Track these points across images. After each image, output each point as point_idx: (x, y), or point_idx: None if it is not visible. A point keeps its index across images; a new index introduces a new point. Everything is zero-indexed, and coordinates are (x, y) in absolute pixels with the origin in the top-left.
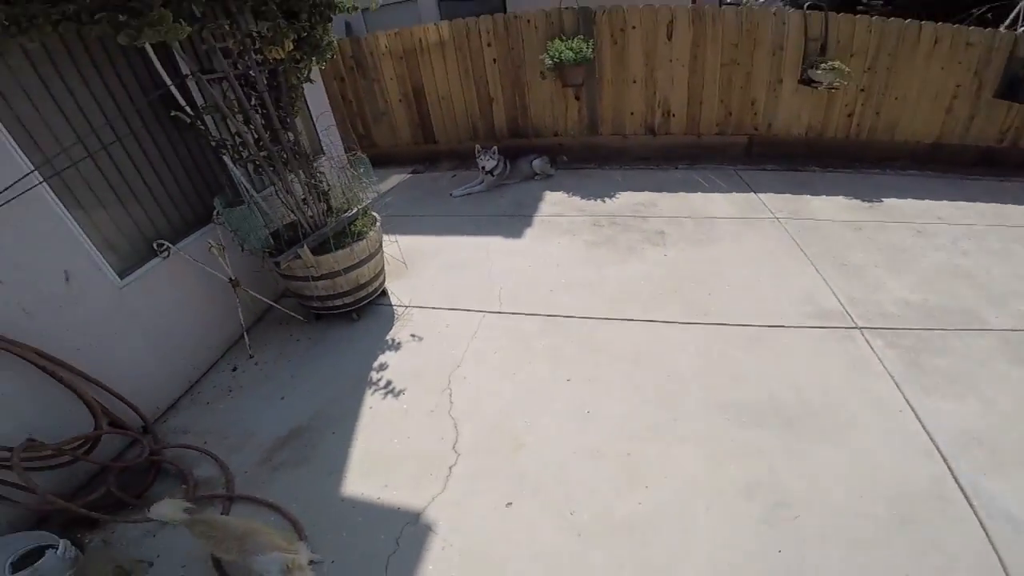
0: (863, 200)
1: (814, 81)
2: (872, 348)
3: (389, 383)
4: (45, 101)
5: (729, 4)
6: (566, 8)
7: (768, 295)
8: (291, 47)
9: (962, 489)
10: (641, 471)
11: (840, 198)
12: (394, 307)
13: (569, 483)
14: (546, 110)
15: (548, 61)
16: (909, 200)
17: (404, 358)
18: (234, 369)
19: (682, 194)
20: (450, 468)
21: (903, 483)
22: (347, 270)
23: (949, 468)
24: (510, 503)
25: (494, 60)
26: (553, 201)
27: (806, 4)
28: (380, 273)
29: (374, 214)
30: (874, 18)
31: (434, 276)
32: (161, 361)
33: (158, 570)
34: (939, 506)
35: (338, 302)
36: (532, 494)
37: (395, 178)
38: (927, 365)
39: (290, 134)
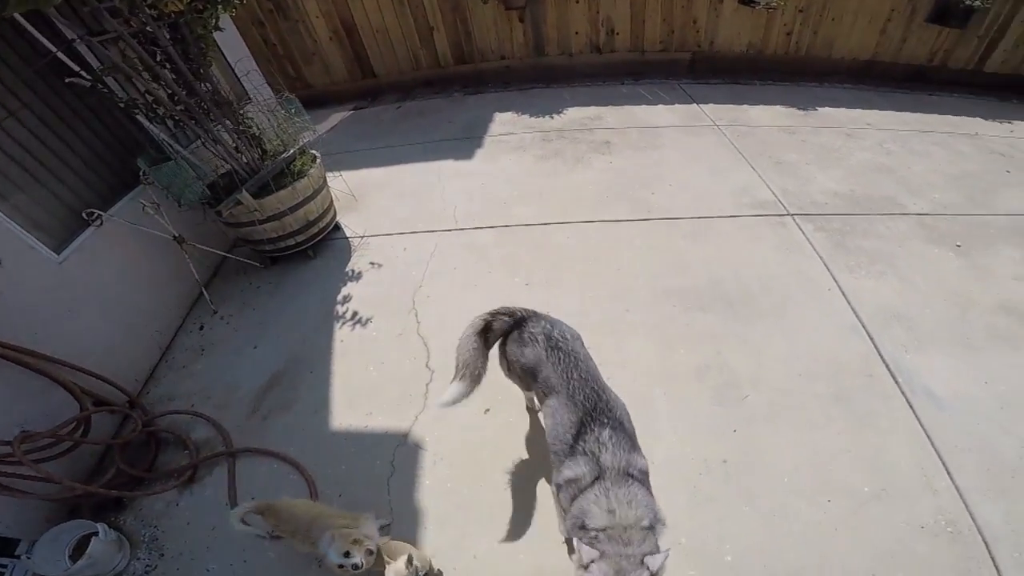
0: (799, 109)
1: (754, 1)
2: (803, 232)
3: (355, 314)
4: None
5: None
6: None
7: (707, 191)
8: None
9: (887, 365)
10: (600, 362)
11: (778, 107)
12: (349, 239)
13: None
14: (491, 34)
15: None
16: (842, 109)
17: (366, 287)
18: (201, 328)
19: (627, 107)
20: (427, 386)
21: (836, 360)
22: (293, 209)
23: (874, 345)
24: (488, 409)
25: None
26: (503, 121)
27: None
28: (329, 208)
29: (313, 152)
30: None
31: (387, 204)
32: (125, 332)
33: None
34: (869, 383)
35: (291, 242)
36: (507, 398)
37: (336, 116)
38: (852, 246)
39: (206, 85)
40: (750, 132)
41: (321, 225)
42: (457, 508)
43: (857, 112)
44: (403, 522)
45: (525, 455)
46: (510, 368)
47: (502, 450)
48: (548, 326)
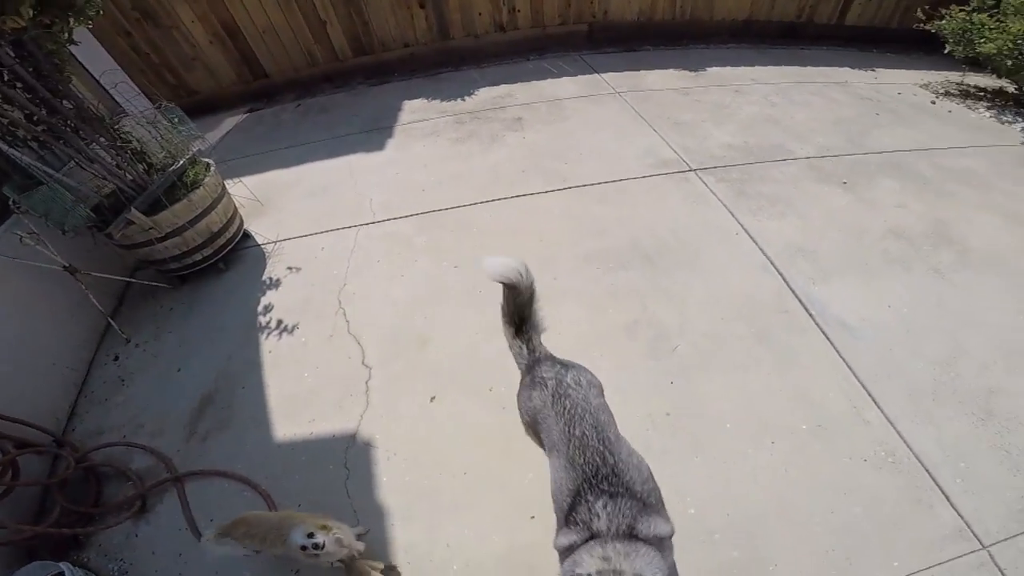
0: (690, 71)
1: None
2: (706, 184)
3: (280, 322)
4: None
5: None
6: None
7: (615, 156)
8: (32, 13)
9: (799, 299)
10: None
11: (671, 71)
12: (262, 246)
13: (480, 363)
14: (390, 22)
15: None
16: (728, 68)
17: (287, 293)
18: (116, 359)
19: (534, 83)
20: (366, 383)
21: (752, 300)
22: (193, 222)
23: (785, 280)
24: (433, 397)
25: None
26: (412, 109)
27: None
28: (234, 217)
29: (206, 160)
30: None
31: (298, 206)
32: (31, 373)
33: None
34: (785, 319)
35: (197, 257)
36: (451, 383)
37: (230, 121)
38: (751, 192)
39: (67, 102)
40: (649, 96)
41: (228, 235)
42: (420, 499)
43: (742, 69)
44: (368, 522)
45: (479, 436)
46: (521, 417)
47: (455, 436)
48: (561, 370)
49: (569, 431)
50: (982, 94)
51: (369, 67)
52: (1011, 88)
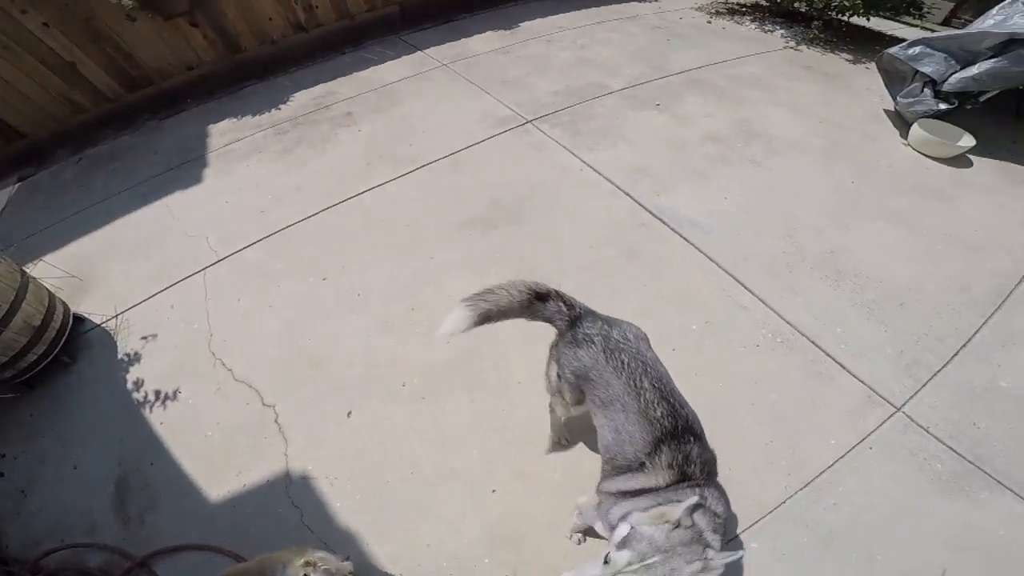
0: (506, 30)
1: None
2: (544, 132)
3: (159, 392)
4: None
5: None
6: None
7: (457, 125)
8: None
9: (651, 212)
10: (431, 317)
11: (489, 33)
12: (102, 325)
13: (382, 363)
14: (160, 49)
15: (128, 2)
16: (538, 20)
17: (153, 363)
18: (1, 475)
19: (356, 74)
20: (276, 421)
21: (612, 223)
22: (3, 322)
23: (634, 199)
24: (350, 412)
25: (45, 24)
26: (222, 131)
27: None
28: (53, 303)
29: None
30: None
31: (124, 269)
32: None
33: None
34: (645, 232)
35: (31, 357)
36: (361, 393)
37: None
38: (584, 130)
39: None
40: (475, 62)
41: (56, 325)
42: (381, 512)
43: (550, 19)
44: (341, 550)
45: (410, 433)
46: (560, 376)
47: (386, 441)
48: (605, 327)
49: (636, 384)
50: (744, 9)
51: (153, 100)
52: (764, 2)
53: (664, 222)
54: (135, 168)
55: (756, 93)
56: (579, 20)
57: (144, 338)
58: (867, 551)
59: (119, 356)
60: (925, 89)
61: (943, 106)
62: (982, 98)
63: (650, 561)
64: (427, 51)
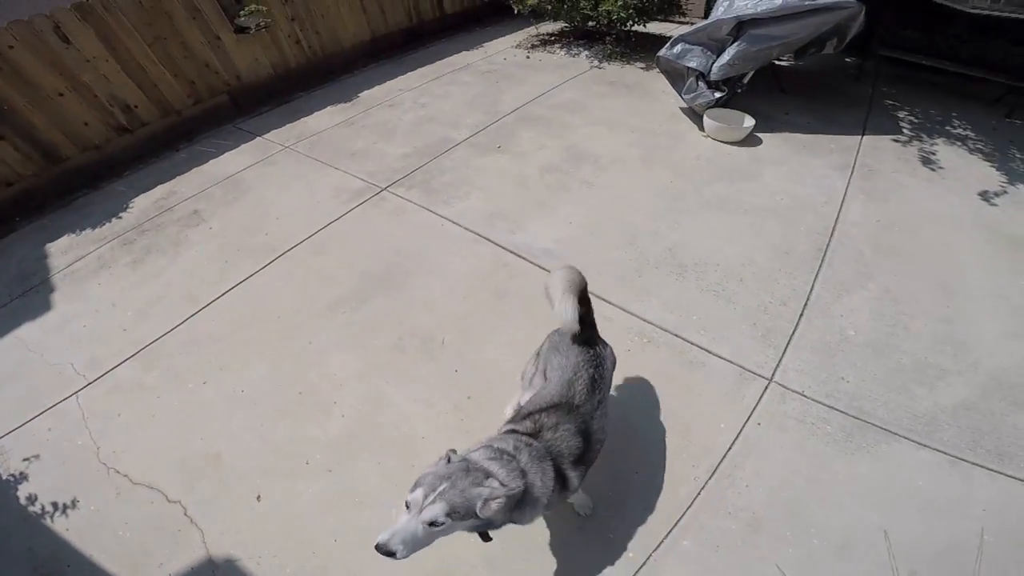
0: (346, 102)
1: (245, 28)
2: (400, 196)
3: (56, 503)
4: None
5: None
6: None
7: (312, 205)
8: None
9: (509, 251)
10: (320, 398)
11: (329, 108)
12: None
13: (280, 447)
14: None
15: None
16: (376, 87)
17: (42, 479)
18: None
19: (196, 170)
20: (186, 514)
21: (479, 270)
22: None
23: (493, 242)
24: (259, 495)
25: None
26: (63, 250)
27: None
28: None
29: None
30: None
31: None
32: None
33: None
34: (508, 271)
35: None
36: (265, 477)
37: None
38: (437, 186)
39: None
40: (318, 139)
41: None
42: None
43: (387, 84)
44: None
45: (325, 505)
46: (538, 354)
47: (303, 516)
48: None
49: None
50: (553, 38)
51: None
52: (567, 27)
53: (523, 257)
54: None
55: (575, 117)
56: (416, 80)
57: (26, 459)
58: (798, 526)
59: (4, 477)
60: (699, 82)
61: (717, 95)
62: (744, 80)
63: (441, 488)
64: (267, 135)
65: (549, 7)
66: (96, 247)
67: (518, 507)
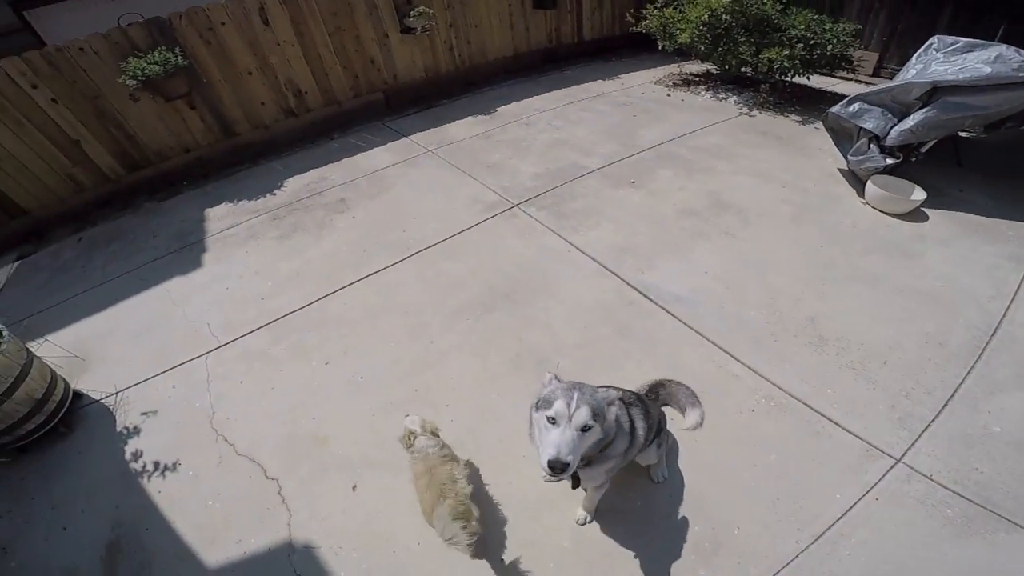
0: (485, 115)
1: (411, 28)
2: (530, 215)
3: (158, 464)
4: None
5: None
6: (129, 25)
7: (447, 211)
8: None
9: (636, 289)
10: (434, 398)
11: (469, 118)
12: (101, 401)
13: (387, 442)
14: (160, 130)
15: (132, 82)
16: (512, 104)
17: (152, 436)
18: None
19: (346, 160)
20: (279, 494)
21: (602, 302)
22: (7, 393)
23: (620, 277)
24: (355, 486)
25: (53, 100)
26: (219, 216)
27: None
28: (55, 380)
29: None
30: None
31: (124, 352)
32: None
33: None
34: (633, 310)
35: (29, 426)
36: (366, 468)
37: None
38: (567, 211)
39: None
40: (458, 148)
41: (56, 398)
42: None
43: (524, 103)
44: None
45: (414, 508)
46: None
47: (392, 514)
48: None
49: None
50: (698, 79)
51: (151, 181)
52: (714, 69)
53: (651, 299)
54: (135, 251)
55: (720, 163)
56: (551, 102)
57: (144, 414)
58: None
59: (118, 429)
60: (871, 145)
61: (890, 160)
62: (923, 149)
63: (576, 396)
64: (412, 137)
65: (702, 47)
66: (249, 218)
67: (619, 433)
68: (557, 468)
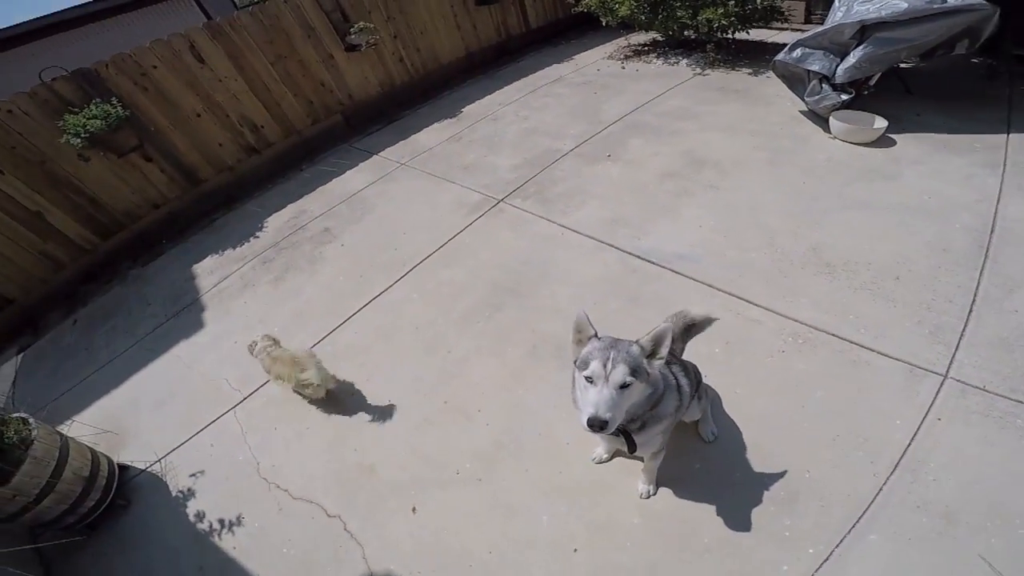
0: (450, 118)
1: (356, 45)
2: (517, 207)
3: (223, 521)
4: None
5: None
6: (54, 80)
7: (433, 220)
8: None
9: (638, 256)
10: (465, 406)
11: (435, 125)
12: (147, 470)
13: (431, 458)
14: (122, 189)
15: (76, 140)
16: (476, 103)
17: (208, 496)
18: None
19: (321, 188)
20: (346, 529)
21: (607, 276)
22: (56, 475)
23: (618, 248)
24: (414, 508)
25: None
26: (208, 270)
27: None
28: (97, 457)
29: (17, 416)
30: None
31: (153, 419)
32: None
33: None
34: (639, 276)
35: (90, 503)
36: (420, 488)
37: (5, 369)
38: (552, 196)
39: None
40: (430, 155)
41: (105, 473)
42: None
43: (487, 99)
44: None
45: (479, 516)
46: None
47: (457, 528)
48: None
49: None
50: (647, 48)
51: (130, 245)
52: (660, 37)
53: (653, 262)
54: (133, 323)
55: (687, 124)
56: (513, 94)
57: (192, 475)
58: (999, 518)
59: (173, 494)
60: (823, 85)
61: (844, 96)
62: (871, 82)
63: (612, 355)
64: (382, 153)
65: (643, 17)
66: (238, 266)
67: (668, 391)
68: (596, 425)
